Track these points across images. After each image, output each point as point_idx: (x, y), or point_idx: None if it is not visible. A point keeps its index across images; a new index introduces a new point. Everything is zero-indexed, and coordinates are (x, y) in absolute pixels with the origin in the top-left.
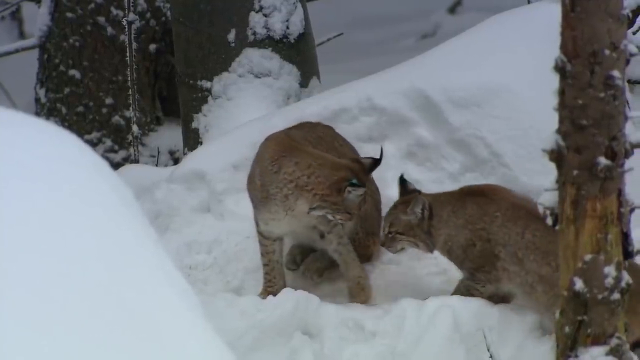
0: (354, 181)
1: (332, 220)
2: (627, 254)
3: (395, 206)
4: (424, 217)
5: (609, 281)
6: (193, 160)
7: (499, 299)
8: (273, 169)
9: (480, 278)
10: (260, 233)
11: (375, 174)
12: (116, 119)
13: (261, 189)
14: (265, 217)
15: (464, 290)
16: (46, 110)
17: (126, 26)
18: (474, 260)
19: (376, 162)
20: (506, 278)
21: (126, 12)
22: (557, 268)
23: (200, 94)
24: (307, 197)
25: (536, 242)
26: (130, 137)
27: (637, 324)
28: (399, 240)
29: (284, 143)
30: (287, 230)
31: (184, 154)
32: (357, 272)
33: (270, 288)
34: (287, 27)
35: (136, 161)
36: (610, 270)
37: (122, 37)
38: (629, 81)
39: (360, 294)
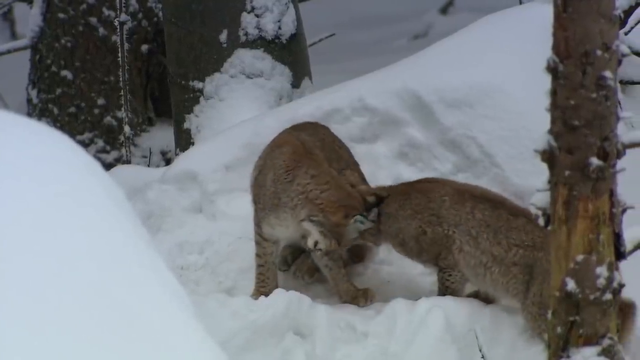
0: (365, 214)
1: (317, 242)
2: (619, 254)
3: None
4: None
5: (601, 281)
6: (185, 161)
7: (485, 296)
8: (287, 178)
9: (442, 266)
10: (260, 235)
11: (368, 174)
12: (108, 119)
13: (273, 195)
14: (273, 223)
15: (440, 286)
16: (38, 111)
17: (118, 27)
18: (429, 249)
19: (381, 201)
20: (462, 260)
21: (118, 12)
22: (509, 248)
23: (192, 95)
24: (311, 208)
25: (487, 220)
26: (122, 138)
27: None
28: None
29: (299, 151)
30: (292, 236)
31: (176, 154)
32: (346, 286)
33: (263, 288)
34: (279, 28)
35: (128, 162)
36: (602, 270)
37: (114, 37)
38: (620, 82)
39: (359, 300)
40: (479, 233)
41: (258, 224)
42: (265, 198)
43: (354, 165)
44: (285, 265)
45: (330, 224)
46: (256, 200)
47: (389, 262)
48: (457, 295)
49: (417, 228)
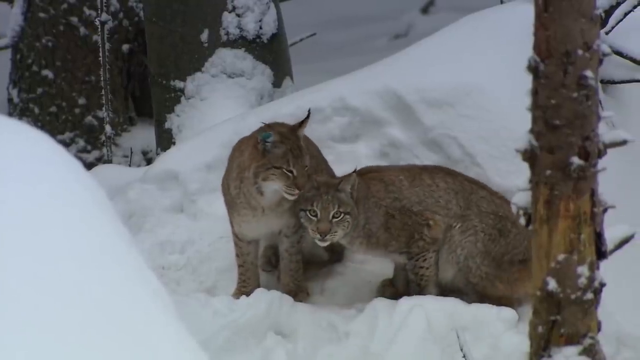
0: (266, 133)
1: (282, 188)
2: (601, 254)
3: (327, 192)
4: (352, 197)
5: (582, 281)
6: (166, 161)
7: None
8: (232, 167)
9: (414, 252)
10: (235, 234)
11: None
12: (89, 119)
13: (228, 191)
14: (238, 220)
15: (413, 277)
16: (19, 110)
17: (99, 26)
18: (399, 234)
19: (306, 119)
20: (439, 228)
21: (99, 12)
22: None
23: (173, 94)
24: (249, 175)
25: (452, 187)
26: (103, 137)
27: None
28: (345, 222)
29: (245, 142)
30: (258, 232)
31: (157, 154)
32: (287, 280)
33: (244, 288)
34: (260, 27)
35: (109, 161)
36: (583, 270)
37: (95, 37)
38: (601, 81)
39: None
40: (449, 200)
41: (231, 223)
42: (227, 197)
43: (323, 163)
44: (269, 266)
45: (260, 168)
46: (224, 202)
47: (369, 261)
48: (431, 281)
49: (385, 215)
